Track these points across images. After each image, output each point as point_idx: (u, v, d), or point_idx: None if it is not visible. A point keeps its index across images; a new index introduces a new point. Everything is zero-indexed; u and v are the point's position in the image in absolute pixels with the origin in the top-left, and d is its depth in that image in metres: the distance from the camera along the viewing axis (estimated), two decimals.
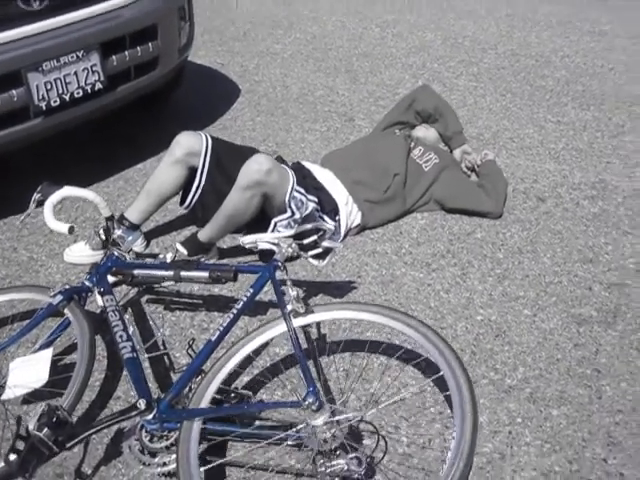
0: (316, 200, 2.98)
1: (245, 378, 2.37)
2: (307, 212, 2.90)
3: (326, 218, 3.00)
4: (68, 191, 2.40)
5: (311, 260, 2.40)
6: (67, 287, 2.32)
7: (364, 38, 5.86)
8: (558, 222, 3.20)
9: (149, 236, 3.12)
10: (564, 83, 4.81)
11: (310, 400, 1.83)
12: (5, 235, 3.22)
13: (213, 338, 2.10)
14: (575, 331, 2.55)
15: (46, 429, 1.79)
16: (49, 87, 3.08)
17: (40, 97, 3.08)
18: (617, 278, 2.83)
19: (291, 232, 2.42)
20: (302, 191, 2.92)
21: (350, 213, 3.10)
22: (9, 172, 3.66)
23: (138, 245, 2.97)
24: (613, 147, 3.90)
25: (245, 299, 2.17)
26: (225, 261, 2.96)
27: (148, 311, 2.69)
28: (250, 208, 2.80)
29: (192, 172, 2.95)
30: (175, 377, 2.36)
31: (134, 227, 2.95)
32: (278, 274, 2.20)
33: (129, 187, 3.52)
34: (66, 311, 2.28)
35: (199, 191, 2.94)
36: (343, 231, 3.07)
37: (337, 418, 1.85)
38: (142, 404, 1.93)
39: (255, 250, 2.86)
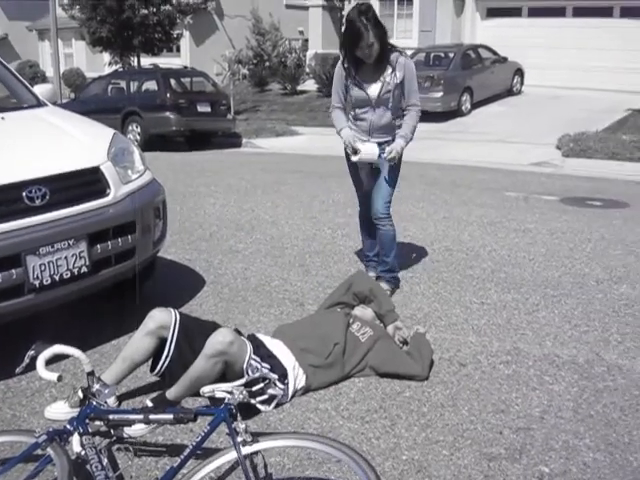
0: (269, 367, 3.48)
1: None
2: None
3: (277, 382, 3.49)
4: (58, 348, 2.90)
5: (259, 405, 2.91)
6: (50, 429, 2.74)
7: (317, 238, 6.64)
8: (476, 382, 3.71)
9: (120, 398, 3.54)
10: (489, 272, 5.54)
11: None
12: None
13: (175, 465, 2.54)
14: (486, 466, 2.98)
15: None
16: (43, 268, 3.65)
17: (35, 276, 3.63)
18: (524, 424, 3.31)
19: (242, 381, 2.91)
20: (258, 359, 3.45)
21: (297, 377, 3.58)
22: None
23: (111, 403, 3.40)
24: (528, 322, 4.53)
25: (203, 434, 2.64)
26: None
27: (119, 455, 3.07)
28: (213, 373, 3.31)
29: (162, 342, 3.45)
30: None
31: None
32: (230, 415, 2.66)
33: (104, 359, 3.98)
34: (48, 449, 2.66)
35: (168, 360, 3.43)
36: (291, 392, 3.54)
37: None
38: None
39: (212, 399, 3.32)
